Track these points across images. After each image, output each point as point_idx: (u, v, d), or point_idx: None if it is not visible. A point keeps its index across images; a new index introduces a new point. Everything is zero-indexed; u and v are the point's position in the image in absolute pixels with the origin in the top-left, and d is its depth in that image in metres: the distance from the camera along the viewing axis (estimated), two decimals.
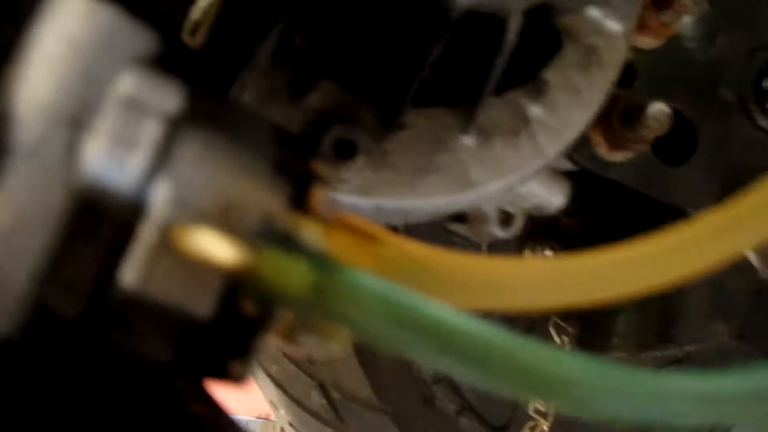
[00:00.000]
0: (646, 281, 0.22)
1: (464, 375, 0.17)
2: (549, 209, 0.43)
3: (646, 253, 0.23)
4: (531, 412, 0.62)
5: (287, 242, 0.17)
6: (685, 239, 0.23)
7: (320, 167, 0.20)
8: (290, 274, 0.16)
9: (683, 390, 0.18)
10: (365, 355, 0.60)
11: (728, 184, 0.54)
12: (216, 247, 0.17)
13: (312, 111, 0.33)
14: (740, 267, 0.57)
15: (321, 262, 0.17)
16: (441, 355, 0.16)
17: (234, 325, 0.19)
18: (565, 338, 0.63)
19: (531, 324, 0.62)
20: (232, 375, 0.20)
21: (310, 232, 0.18)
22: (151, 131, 0.17)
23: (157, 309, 0.18)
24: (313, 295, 0.16)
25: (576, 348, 0.63)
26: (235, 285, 0.18)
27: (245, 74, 0.29)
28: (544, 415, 0.62)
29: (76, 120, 0.17)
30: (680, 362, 0.68)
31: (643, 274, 0.22)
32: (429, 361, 0.17)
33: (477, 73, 0.36)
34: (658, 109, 0.47)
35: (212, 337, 0.19)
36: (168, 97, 0.18)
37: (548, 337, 0.63)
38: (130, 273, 0.17)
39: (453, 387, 0.59)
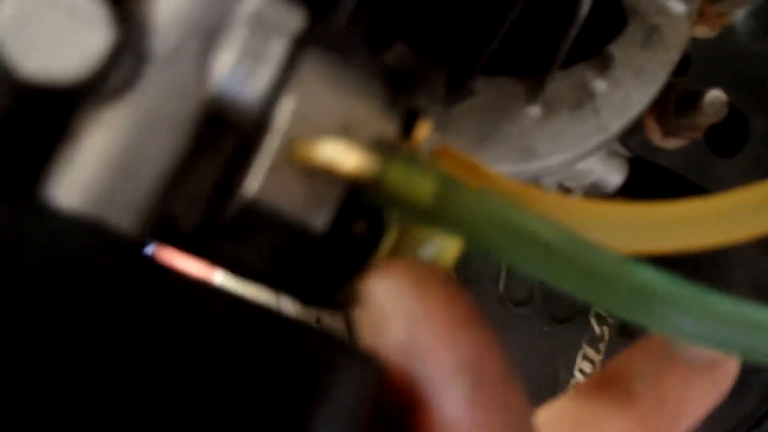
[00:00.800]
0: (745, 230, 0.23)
1: (579, 294, 0.17)
2: (606, 188, 0.43)
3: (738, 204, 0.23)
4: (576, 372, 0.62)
5: (409, 157, 0.18)
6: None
7: (425, 103, 0.21)
8: (417, 182, 0.17)
9: None
10: None
11: None
12: (342, 156, 0.17)
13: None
14: None
15: (443, 174, 0.17)
16: (558, 271, 0.17)
17: (344, 245, 0.20)
18: (605, 328, 0.63)
19: (571, 313, 0.62)
20: (336, 298, 0.20)
21: (421, 155, 0.19)
22: (277, 47, 0.18)
23: (275, 220, 0.18)
24: (438, 204, 0.17)
25: (616, 338, 0.63)
26: (351, 201, 0.19)
27: (323, 28, 0.29)
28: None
29: (209, 32, 0.18)
30: None
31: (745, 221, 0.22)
32: (540, 274, 0.17)
33: (545, 45, 0.37)
34: (715, 95, 0.47)
35: (323, 254, 0.19)
36: (293, 17, 0.18)
37: (588, 327, 0.63)
38: (252, 181, 0.18)
39: None
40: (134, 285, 0.15)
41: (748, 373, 0.69)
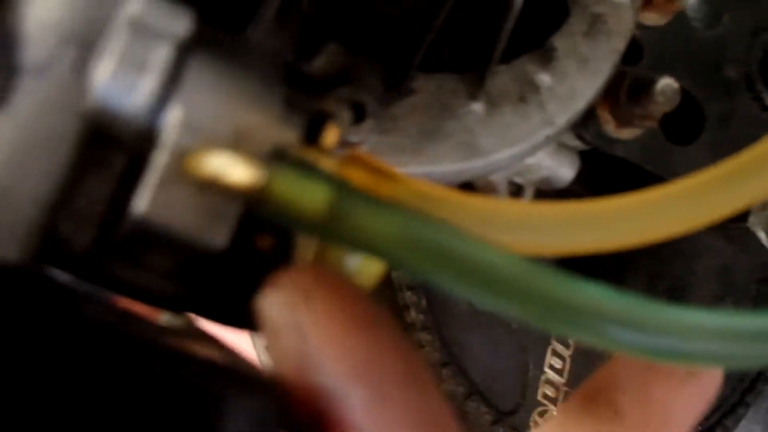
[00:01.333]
0: (673, 225, 0.22)
1: (484, 303, 0.16)
2: (558, 183, 0.43)
3: (674, 195, 0.22)
4: (540, 398, 0.61)
5: (302, 166, 0.16)
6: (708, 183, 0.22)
7: (332, 106, 0.20)
8: (306, 192, 0.16)
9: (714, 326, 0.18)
10: None
11: None
12: (229, 168, 0.16)
13: (319, 74, 0.33)
14: (749, 249, 0.56)
15: (337, 183, 0.16)
16: (460, 279, 0.16)
17: (249, 261, 0.18)
18: None
19: None
20: (248, 317, 0.19)
21: (325, 164, 0.18)
22: (160, 54, 0.17)
23: (169, 239, 0.17)
24: (330, 216, 0.16)
25: None
26: (251, 215, 0.18)
27: (250, 32, 0.28)
28: (553, 401, 0.61)
29: (85, 40, 0.16)
30: None
31: (673, 215, 0.22)
32: (449, 287, 0.16)
33: (484, 39, 0.36)
34: (666, 83, 0.46)
35: (226, 273, 0.18)
36: (177, 21, 0.17)
37: None
38: (142, 200, 0.17)
39: (461, 370, 0.58)
40: (13, 317, 0.14)
41: None
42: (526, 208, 0.19)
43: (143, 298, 0.18)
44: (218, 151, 0.16)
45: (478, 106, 0.36)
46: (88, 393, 0.14)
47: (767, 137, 0.27)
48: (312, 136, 0.19)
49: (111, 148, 0.17)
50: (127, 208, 0.17)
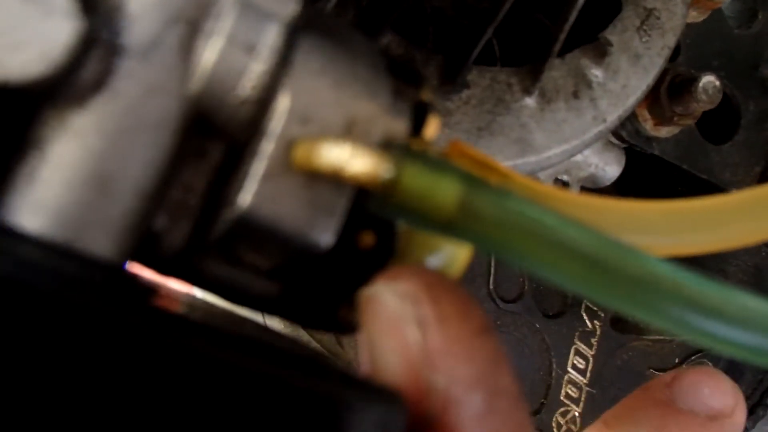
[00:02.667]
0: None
1: (620, 305, 0.15)
2: (603, 180, 0.42)
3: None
4: (563, 398, 0.61)
5: (429, 159, 0.15)
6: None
7: (432, 96, 0.19)
8: (437, 186, 0.15)
9: None
10: None
11: None
12: (349, 159, 0.15)
13: None
14: None
15: (468, 178, 0.15)
16: (596, 283, 0.15)
17: (349, 261, 0.17)
18: (597, 323, 0.62)
19: (563, 307, 0.60)
20: (341, 320, 0.18)
21: (432, 155, 0.17)
22: (270, 36, 0.16)
23: (273, 235, 0.16)
24: (461, 211, 0.15)
25: (608, 332, 0.62)
26: (356, 211, 0.16)
27: (316, 13, 0.27)
28: (576, 401, 0.60)
29: (191, 20, 0.15)
30: (709, 350, 0.67)
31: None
32: (577, 287, 0.15)
33: (541, 32, 0.35)
34: (708, 81, 0.46)
35: (325, 272, 0.17)
36: (285, 1, 0.16)
37: (580, 321, 0.62)
38: (246, 192, 0.16)
39: None
40: (115, 325, 0.13)
41: (741, 362, 0.68)
42: (637, 207, 0.18)
43: (238, 298, 0.17)
44: (337, 141, 0.15)
45: (531, 101, 0.35)
46: (214, 419, 0.13)
47: None
48: (416, 126, 0.18)
49: (210, 137, 0.16)
50: (227, 202, 0.16)
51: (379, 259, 0.17)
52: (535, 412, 0.60)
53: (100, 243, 0.15)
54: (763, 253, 0.55)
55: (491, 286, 0.59)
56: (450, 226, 0.15)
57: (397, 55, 0.32)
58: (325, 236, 0.16)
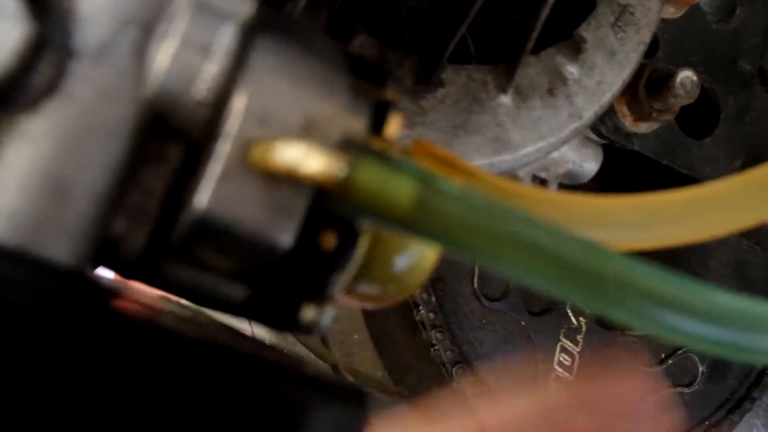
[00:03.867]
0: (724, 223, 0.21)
1: (580, 300, 0.15)
2: (582, 176, 0.42)
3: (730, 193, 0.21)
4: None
5: (384, 157, 0.15)
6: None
7: (394, 95, 0.19)
8: (392, 183, 0.15)
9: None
10: (380, 337, 0.58)
11: (750, 157, 0.53)
12: (305, 158, 0.15)
13: None
14: (763, 244, 0.56)
15: (423, 174, 0.15)
16: (553, 277, 0.15)
17: (311, 261, 0.17)
18: (582, 319, 0.62)
19: (548, 305, 0.60)
20: (303, 322, 0.18)
21: (394, 154, 0.17)
22: (225, 36, 0.16)
23: (232, 236, 0.16)
24: (417, 208, 0.15)
25: (593, 329, 0.62)
26: (316, 212, 0.16)
27: (275, 14, 0.27)
28: None
29: (145, 22, 0.15)
30: None
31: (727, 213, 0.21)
32: (538, 284, 0.15)
33: (515, 30, 0.35)
34: (686, 76, 0.46)
35: (286, 273, 0.17)
36: (241, 2, 0.16)
37: (566, 318, 0.62)
38: (203, 194, 0.16)
39: (471, 368, 0.58)
40: (66, 328, 0.12)
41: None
42: (600, 202, 0.18)
43: (202, 301, 0.17)
44: (291, 141, 0.15)
45: (507, 99, 0.35)
46: (176, 402, 0.13)
47: None
48: (375, 125, 0.18)
49: (167, 140, 0.16)
50: (185, 204, 0.16)
51: (341, 259, 0.17)
52: None
53: (57, 248, 0.15)
54: (745, 247, 0.55)
55: (476, 285, 0.59)
56: (407, 224, 0.15)
57: (371, 55, 0.32)
58: (284, 237, 0.16)
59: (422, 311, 0.58)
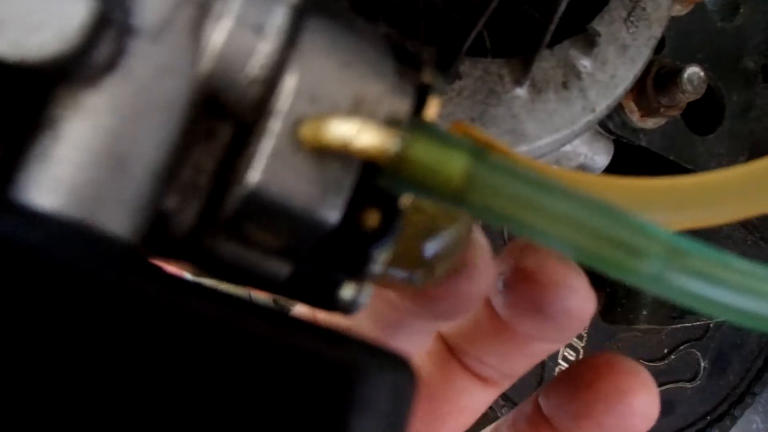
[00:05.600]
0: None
1: (617, 273, 0.16)
2: (593, 169, 0.42)
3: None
4: None
5: (438, 132, 0.16)
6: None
7: (432, 78, 0.19)
8: (445, 158, 0.15)
9: None
10: None
11: (753, 152, 0.54)
12: (358, 134, 0.15)
13: None
14: (766, 239, 0.57)
15: (475, 150, 0.15)
16: (606, 253, 0.15)
17: (353, 238, 0.18)
18: None
19: None
20: (343, 300, 0.18)
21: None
22: (277, 17, 0.16)
23: (282, 212, 0.16)
24: (469, 183, 0.15)
25: (598, 324, 0.62)
26: (361, 189, 0.17)
27: None
28: None
29: (201, 2, 0.16)
30: (698, 340, 0.68)
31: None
32: (581, 257, 0.16)
33: (531, 24, 0.36)
34: (693, 72, 0.47)
35: (330, 250, 0.18)
36: None
37: None
38: (255, 170, 0.16)
39: None
40: (134, 300, 0.13)
41: (729, 351, 0.69)
42: (636, 183, 0.19)
43: (243, 279, 0.17)
44: (344, 117, 0.16)
45: (522, 92, 0.36)
46: (229, 388, 0.13)
47: None
48: (420, 105, 0.18)
49: (218, 118, 0.17)
50: (236, 181, 0.16)
51: (383, 236, 0.18)
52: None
53: (115, 221, 0.15)
54: (749, 242, 0.56)
55: None
56: (459, 198, 0.15)
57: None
58: (332, 213, 0.16)
59: None
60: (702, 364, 0.69)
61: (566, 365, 0.65)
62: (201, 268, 0.18)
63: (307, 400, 0.14)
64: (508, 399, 0.60)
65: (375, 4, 0.33)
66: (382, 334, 0.25)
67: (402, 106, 0.17)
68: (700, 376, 0.69)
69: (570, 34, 0.38)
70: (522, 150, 0.36)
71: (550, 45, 0.37)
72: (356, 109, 0.16)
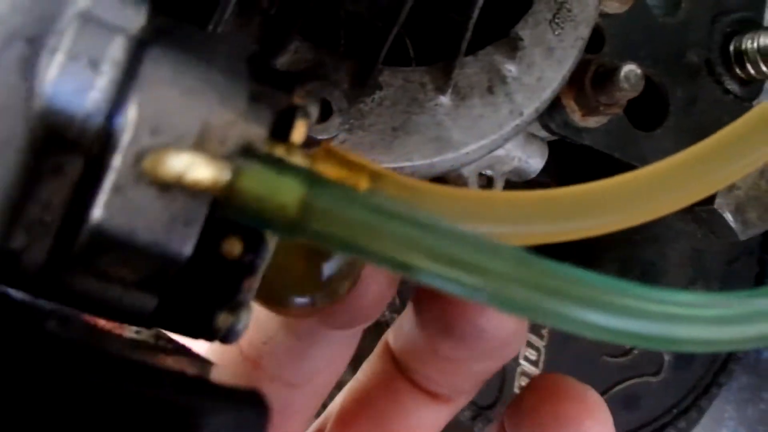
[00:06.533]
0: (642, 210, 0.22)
1: (470, 296, 0.16)
2: (528, 173, 0.42)
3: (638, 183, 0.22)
4: (517, 390, 0.61)
5: (271, 161, 0.15)
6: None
7: (300, 100, 0.19)
8: (276, 187, 0.15)
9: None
10: None
11: None
12: (192, 167, 0.15)
13: (284, 71, 0.32)
14: (717, 231, 0.57)
15: (309, 176, 0.15)
16: (442, 270, 0.15)
17: (218, 269, 0.17)
18: None
19: None
20: (218, 329, 0.18)
21: (295, 160, 0.17)
22: (114, 49, 0.16)
23: (130, 247, 0.16)
24: (303, 211, 0.15)
25: None
26: (218, 220, 0.17)
27: (172, 26, 0.27)
28: None
29: (32, 37, 0.15)
30: None
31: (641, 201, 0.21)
32: (431, 280, 0.15)
33: (449, 31, 0.36)
34: (630, 69, 0.46)
35: (195, 282, 0.17)
36: (130, 13, 0.16)
37: None
38: (100, 207, 0.16)
39: None
40: None
41: None
42: (502, 197, 0.19)
43: (110, 313, 0.17)
44: (179, 150, 0.15)
45: (446, 99, 0.35)
46: (55, 412, 0.13)
47: (735, 122, 0.27)
48: (280, 131, 0.18)
49: (65, 153, 0.16)
50: (85, 216, 0.16)
51: (248, 264, 0.18)
52: (490, 406, 0.60)
53: None
54: (699, 236, 0.56)
55: None
56: (294, 228, 0.15)
57: (306, 60, 0.33)
58: (182, 246, 0.16)
59: (386, 313, 0.59)
60: (666, 358, 0.69)
61: (528, 365, 0.65)
62: (66, 304, 0.18)
63: None
64: (472, 403, 0.60)
65: (291, 18, 0.32)
66: (301, 345, 0.25)
67: (255, 131, 0.17)
68: (663, 369, 0.69)
69: (495, 39, 0.38)
70: (448, 157, 0.36)
71: (474, 51, 0.37)
72: (203, 139, 0.16)
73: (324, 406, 0.35)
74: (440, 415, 0.26)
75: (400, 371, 0.26)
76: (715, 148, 0.22)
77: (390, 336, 0.26)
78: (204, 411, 0.14)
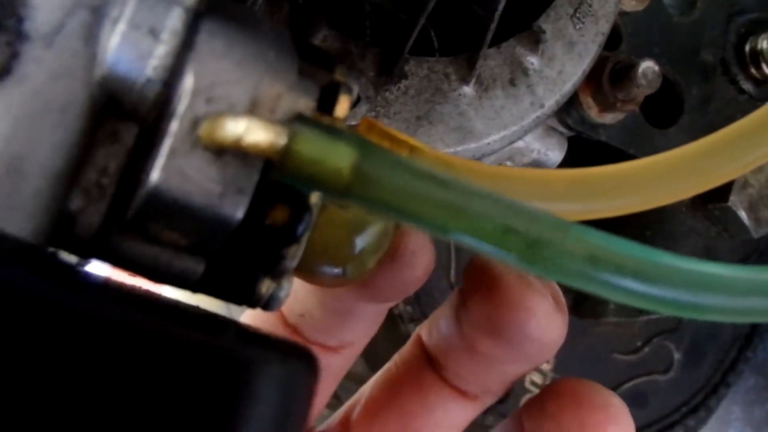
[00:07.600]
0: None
1: (518, 263, 0.16)
2: (547, 165, 0.43)
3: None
4: (528, 385, 0.62)
5: (323, 127, 0.16)
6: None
7: (343, 77, 0.19)
8: (330, 151, 0.15)
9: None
10: None
11: None
12: (249, 132, 0.16)
13: None
14: (730, 229, 0.57)
15: (361, 142, 0.16)
16: (491, 239, 0.15)
17: (263, 236, 0.18)
18: None
19: None
20: (260, 295, 0.19)
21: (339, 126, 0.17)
22: (172, 19, 0.16)
23: (184, 210, 0.17)
24: (355, 175, 0.16)
25: (571, 317, 0.63)
26: (265, 188, 0.17)
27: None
28: (540, 388, 0.61)
29: (93, 6, 0.16)
30: (672, 332, 0.68)
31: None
32: (476, 245, 0.16)
33: (474, 22, 0.36)
34: (647, 66, 0.47)
35: (241, 249, 0.18)
36: None
37: None
38: (155, 170, 0.16)
39: None
40: (12, 294, 0.13)
41: (702, 342, 0.70)
42: (542, 174, 0.19)
43: (160, 277, 0.18)
44: (235, 116, 0.16)
45: (469, 90, 0.36)
46: (112, 362, 0.13)
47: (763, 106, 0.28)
48: (325, 106, 0.18)
49: (122, 120, 0.17)
50: (138, 182, 0.17)
51: (293, 232, 0.18)
52: (501, 401, 0.61)
53: (13, 222, 0.15)
54: (713, 234, 0.56)
55: (452, 278, 0.60)
56: (347, 192, 0.16)
57: (334, 48, 0.33)
58: (234, 211, 0.17)
59: (400, 304, 0.59)
60: (675, 356, 0.69)
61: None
62: (117, 267, 0.18)
63: (196, 389, 0.14)
64: None
65: (318, 7, 0.33)
66: (333, 321, 0.26)
67: (303, 103, 0.18)
68: (673, 367, 0.69)
69: (518, 31, 0.38)
70: (470, 147, 0.36)
71: (497, 43, 0.37)
72: (254, 108, 0.17)
73: (338, 398, 0.36)
74: (465, 413, 0.26)
75: (431, 366, 0.26)
76: (746, 131, 0.23)
77: (423, 330, 0.26)
78: (259, 360, 0.14)
